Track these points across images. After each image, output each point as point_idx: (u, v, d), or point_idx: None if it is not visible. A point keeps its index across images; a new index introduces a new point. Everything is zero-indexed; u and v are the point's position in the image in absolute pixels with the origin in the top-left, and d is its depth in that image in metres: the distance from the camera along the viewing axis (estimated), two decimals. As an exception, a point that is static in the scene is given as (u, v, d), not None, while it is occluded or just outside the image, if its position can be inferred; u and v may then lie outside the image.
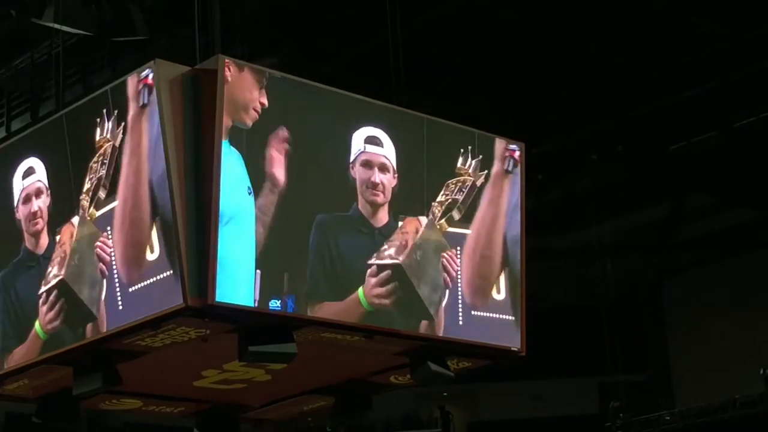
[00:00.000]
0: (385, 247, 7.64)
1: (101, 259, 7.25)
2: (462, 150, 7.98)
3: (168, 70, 6.97)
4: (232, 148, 6.99)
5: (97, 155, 7.26)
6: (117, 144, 7.13)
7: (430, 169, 7.90)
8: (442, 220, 7.89)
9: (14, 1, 11.01)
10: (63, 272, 7.48)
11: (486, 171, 8.06)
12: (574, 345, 22.74)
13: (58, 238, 7.56)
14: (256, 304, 6.94)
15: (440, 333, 7.91)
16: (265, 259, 7.00)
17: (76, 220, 7.44)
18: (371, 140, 7.56)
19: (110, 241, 7.17)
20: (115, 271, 7.14)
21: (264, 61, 9.97)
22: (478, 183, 8.01)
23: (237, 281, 6.91)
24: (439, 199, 7.88)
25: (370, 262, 7.56)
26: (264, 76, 7.17)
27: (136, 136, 7.06)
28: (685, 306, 21.49)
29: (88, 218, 7.34)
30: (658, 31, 12.72)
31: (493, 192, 8.07)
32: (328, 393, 8.77)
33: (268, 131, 7.16)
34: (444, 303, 7.87)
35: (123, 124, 7.08)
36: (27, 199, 7.78)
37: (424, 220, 7.82)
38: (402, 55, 9.00)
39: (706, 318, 20.99)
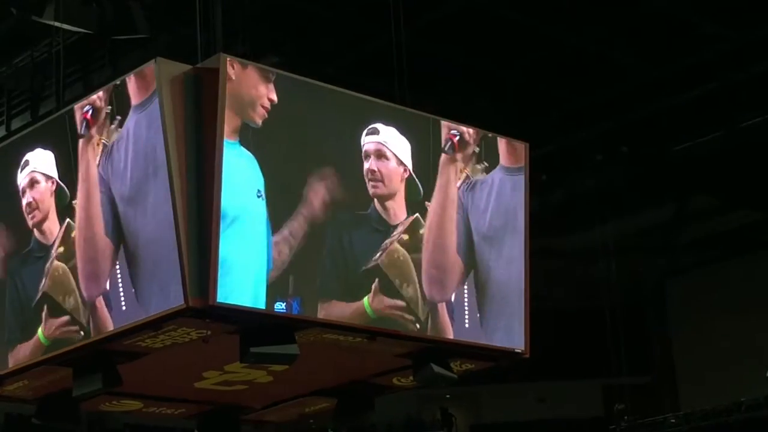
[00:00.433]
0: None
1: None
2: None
3: (169, 69, 6.96)
4: (242, 148, 6.95)
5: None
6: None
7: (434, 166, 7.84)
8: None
9: (15, 0, 10.97)
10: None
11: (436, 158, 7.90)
12: (577, 347, 22.69)
13: (65, 227, 7.55)
14: (266, 306, 6.91)
15: (443, 334, 7.86)
16: (275, 262, 6.96)
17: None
18: (369, 131, 7.51)
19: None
20: (118, 271, 7.06)
21: (266, 61, 9.93)
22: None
23: (245, 283, 6.89)
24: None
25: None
26: (271, 72, 7.13)
27: (84, 164, 7.17)
28: (690, 307, 21.45)
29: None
30: (661, 31, 12.68)
31: (440, 180, 7.89)
32: (330, 395, 8.74)
33: (280, 130, 7.08)
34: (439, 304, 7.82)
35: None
36: (23, 193, 7.78)
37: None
38: (404, 55, 8.95)
39: (710, 319, 20.95)
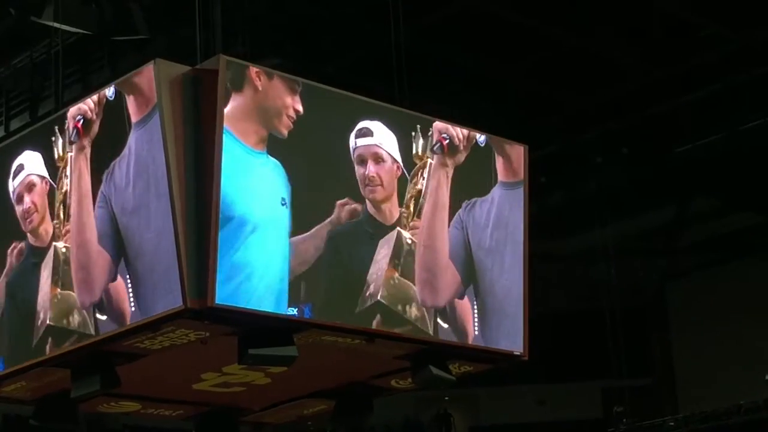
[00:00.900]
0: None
1: None
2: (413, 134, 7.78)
3: (169, 70, 6.94)
4: (269, 158, 7.00)
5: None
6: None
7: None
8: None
9: (14, 0, 10.95)
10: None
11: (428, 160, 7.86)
12: (577, 349, 22.67)
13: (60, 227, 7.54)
14: (289, 312, 6.97)
15: (442, 337, 7.85)
16: (293, 268, 7.04)
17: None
18: (360, 133, 7.46)
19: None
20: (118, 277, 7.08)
21: (266, 62, 9.91)
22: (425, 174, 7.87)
23: (267, 288, 6.93)
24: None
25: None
26: (297, 83, 7.09)
27: (77, 173, 7.21)
28: (690, 310, 21.43)
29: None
30: (662, 32, 12.65)
31: (431, 183, 7.86)
32: (328, 396, 8.71)
33: (303, 138, 7.15)
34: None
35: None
36: (20, 199, 7.75)
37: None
38: (404, 57, 8.94)
39: (710, 322, 20.92)
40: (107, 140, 7.08)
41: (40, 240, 7.63)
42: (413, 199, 7.70)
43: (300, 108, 7.14)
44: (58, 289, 7.47)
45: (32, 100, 13.02)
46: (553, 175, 15.26)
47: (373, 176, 7.46)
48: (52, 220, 7.55)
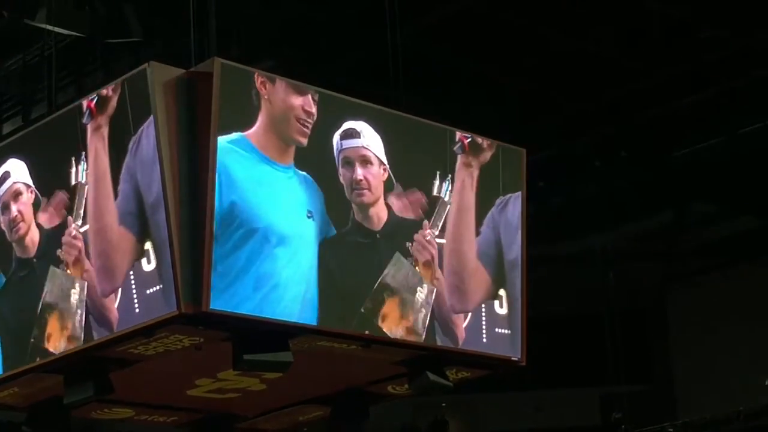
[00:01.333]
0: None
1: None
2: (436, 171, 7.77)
3: (163, 73, 6.88)
4: (296, 171, 7.02)
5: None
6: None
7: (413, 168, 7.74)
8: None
9: (6, 2, 10.89)
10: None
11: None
12: (575, 354, 22.59)
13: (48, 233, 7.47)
14: (317, 323, 7.01)
15: (439, 342, 7.80)
16: (320, 280, 7.10)
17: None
18: (346, 134, 7.39)
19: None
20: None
21: (261, 65, 9.86)
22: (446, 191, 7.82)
23: (293, 300, 6.96)
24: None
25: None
26: (313, 91, 7.10)
27: (92, 155, 7.08)
28: (690, 315, 21.37)
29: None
30: (660, 34, 12.60)
31: (456, 184, 7.87)
32: (324, 403, 8.67)
33: (322, 146, 7.13)
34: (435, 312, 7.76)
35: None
36: (5, 207, 7.68)
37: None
38: (400, 59, 8.88)
39: (710, 327, 20.87)
40: (128, 113, 6.91)
41: (26, 252, 7.56)
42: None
43: (312, 110, 7.09)
44: (50, 299, 7.41)
45: (25, 103, 12.96)
46: (551, 178, 15.20)
47: (360, 179, 7.38)
48: (40, 231, 7.46)
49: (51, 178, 7.38)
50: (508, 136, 8.41)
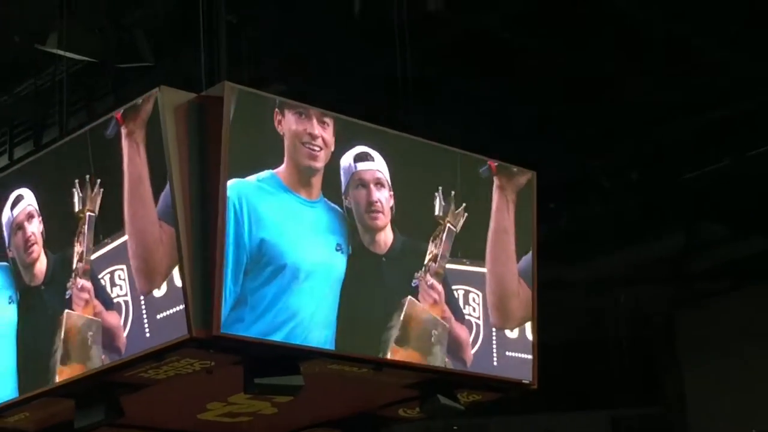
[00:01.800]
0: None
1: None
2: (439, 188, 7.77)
3: (173, 97, 6.89)
4: (329, 204, 7.11)
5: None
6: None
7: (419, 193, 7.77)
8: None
9: (17, 27, 10.94)
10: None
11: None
12: (586, 377, 22.52)
13: (57, 262, 7.48)
14: (328, 346, 7.03)
15: (450, 365, 7.79)
16: (342, 309, 7.16)
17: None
18: (360, 157, 7.41)
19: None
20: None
21: (272, 89, 9.89)
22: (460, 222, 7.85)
23: (319, 329, 7.04)
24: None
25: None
26: (328, 116, 7.13)
27: (126, 160, 7.01)
28: (700, 338, 21.29)
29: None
30: (669, 56, 12.61)
31: (494, 207, 8.02)
32: (335, 426, 8.65)
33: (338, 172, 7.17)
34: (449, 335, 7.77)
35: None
36: (19, 228, 7.70)
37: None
38: (410, 81, 8.90)
39: (720, 349, 20.79)
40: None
41: (35, 278, 7.59)
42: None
43: (315, 131, 7.10)
44: (60, 324, 7.43)
45: (36, 128, 13.00)
46: (561, 201, 15.20)
47: (376, 201, 7.40)
48: (48, 258, 7.47)
49: (56, 206, 7.40)
50: (518, 158, 8.41)
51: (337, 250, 7.08)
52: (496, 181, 7.95)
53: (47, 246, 7.47)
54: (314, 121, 7.03)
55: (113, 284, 7.05)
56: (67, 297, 7.33)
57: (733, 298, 20.16)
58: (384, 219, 7.41)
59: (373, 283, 7.34)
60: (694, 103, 13.72)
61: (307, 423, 8.62)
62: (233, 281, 6.70)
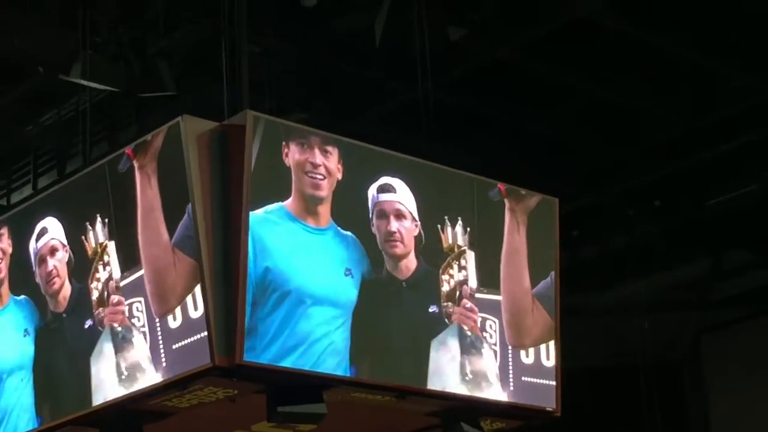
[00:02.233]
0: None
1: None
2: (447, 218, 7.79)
3: (196, 126, 6.93)
4: (340, 230, 7.14)
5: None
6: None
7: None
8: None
9: (41, 58, 11.01)
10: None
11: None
12: (611, 405, 22.41)
13: (80, 291, 7.52)
14: (351, 374, 7.06)
15: (474, 393, 7.78)
16: (353, 333, 7.16)
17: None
18: (383, 188, 7.47)
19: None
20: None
21: (293, 117, 9.92)
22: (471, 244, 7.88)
23: (329, 354, 7.05)
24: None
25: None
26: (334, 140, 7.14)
27: (139, 190, 7.10)
28: (725, 365, 21.18)
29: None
30: (692, 83, 12.60)
31: (506, 229, 8.10)
32: (357, 455, 8.63)
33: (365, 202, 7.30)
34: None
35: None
36: (42, 261, 7.77)
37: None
38: (431, 110, 8.93)
39: (746, 376, 20.68)
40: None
41: (58, 306, 7.65)
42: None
43: (317, 160, 7.12)
44: (83, 353, 7.46)
45: (60, 158, 13.07)
46: (585, 228, 15.18)
47: (394, 231, 7.44)
48: (72, 287, 7.50)
49: (80, 235, 7.43)
50: (540, 186, 8.42)
51: (346, 275, 7.10)
52: (507, 204, 8.02)
53: (72, 275, 7.52)
54: (316, 150, 7.05)
55: (132, 316, 7.08)
56: (88, 326, 7.37)
57: (758, 324, 20.06)
58: (402, 248, 7.47)
59: (391, 308, 7.36)
60: (717, 129, 13.71)
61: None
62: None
